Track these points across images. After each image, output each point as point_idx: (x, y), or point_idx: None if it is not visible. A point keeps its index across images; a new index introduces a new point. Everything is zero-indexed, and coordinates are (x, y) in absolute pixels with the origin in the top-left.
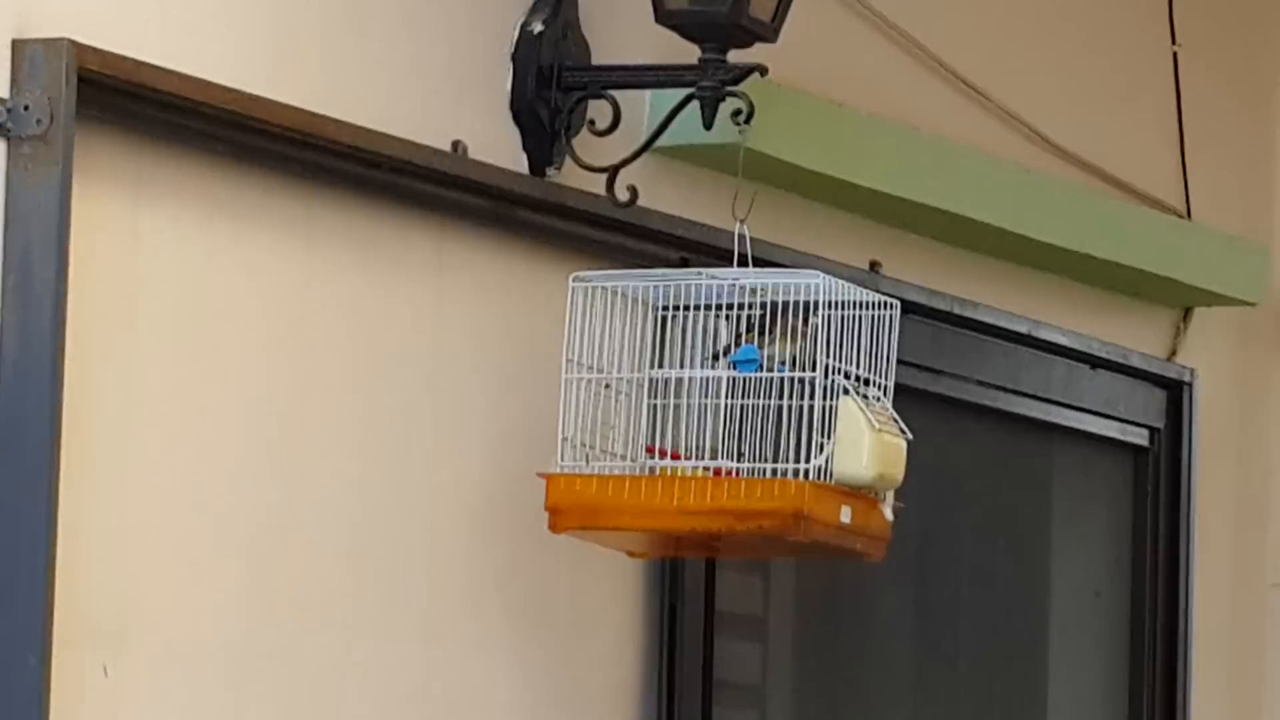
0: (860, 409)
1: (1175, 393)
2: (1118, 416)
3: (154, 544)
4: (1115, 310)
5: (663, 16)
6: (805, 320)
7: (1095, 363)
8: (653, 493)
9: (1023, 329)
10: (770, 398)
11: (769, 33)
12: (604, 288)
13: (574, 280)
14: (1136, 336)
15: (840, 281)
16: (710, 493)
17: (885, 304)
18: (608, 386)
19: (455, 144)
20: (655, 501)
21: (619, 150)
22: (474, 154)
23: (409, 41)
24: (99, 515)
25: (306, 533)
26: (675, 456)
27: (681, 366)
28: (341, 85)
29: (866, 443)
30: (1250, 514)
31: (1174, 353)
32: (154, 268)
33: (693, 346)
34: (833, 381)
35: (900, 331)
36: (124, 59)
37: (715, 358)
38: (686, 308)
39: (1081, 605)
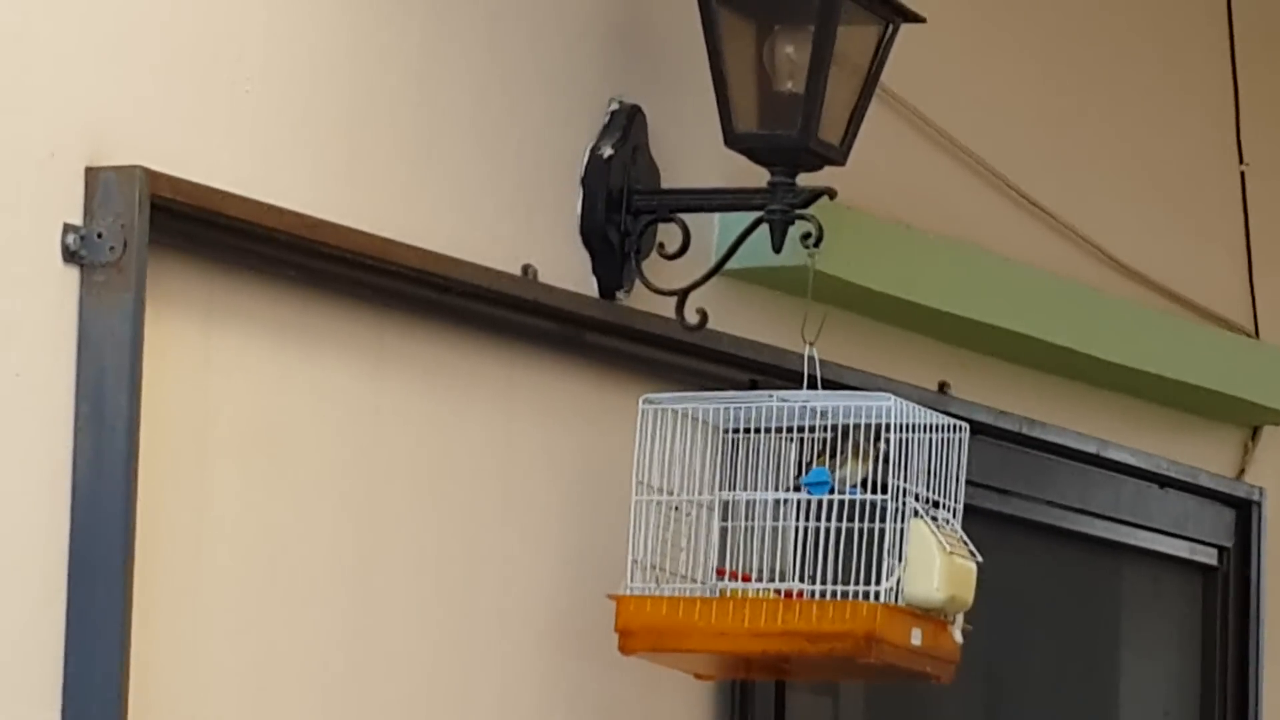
0: (931, 531)
1: (1244, 511)
2: (1187, 536)
3: (227, 669)
4: (1183, 429)
5: (732, 140)
6: (875, 439)
7: (1164, 482)
8: (724, 615)
9: (1091, 449)
10: (840, 520)
11: (838, 156)
12: (674, 410)
13: (644, 402)
14: (1205, 455)
15: (911, 404)
16: (781, 615)
17: (955, 426)
18: (677, 509)
19: (525, 268)
20: (726, 623)
21: (688, 273)
22: (544, 278)
23: (479, 166)
24: (171, 641)
25: (378, 656)
26: (745, 579)
27: (751, 489)
28: (412, 210)
29: (937, 566)
30: None
31: (1243, 471)
32: (226, 392)
33: (762, 469)
34: (903, 503)
35: (969, 452)
36: (196, 185)
37: (797, 489)
38: (756, 430)
39: None
